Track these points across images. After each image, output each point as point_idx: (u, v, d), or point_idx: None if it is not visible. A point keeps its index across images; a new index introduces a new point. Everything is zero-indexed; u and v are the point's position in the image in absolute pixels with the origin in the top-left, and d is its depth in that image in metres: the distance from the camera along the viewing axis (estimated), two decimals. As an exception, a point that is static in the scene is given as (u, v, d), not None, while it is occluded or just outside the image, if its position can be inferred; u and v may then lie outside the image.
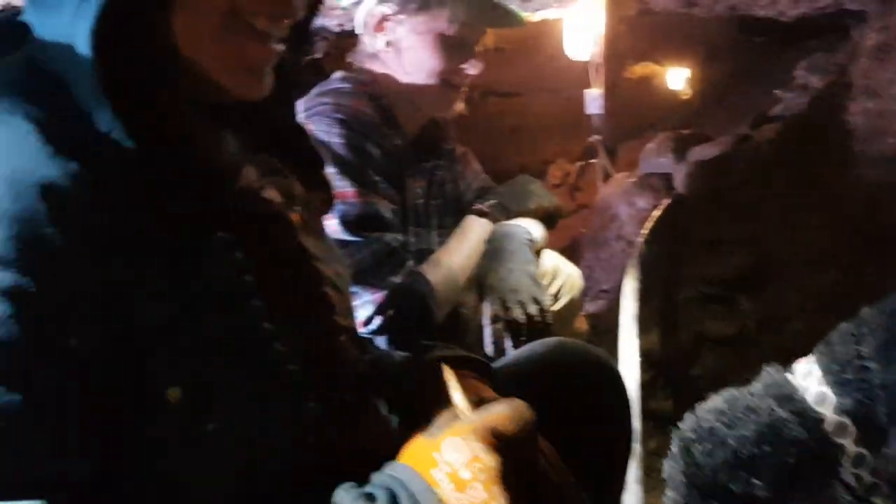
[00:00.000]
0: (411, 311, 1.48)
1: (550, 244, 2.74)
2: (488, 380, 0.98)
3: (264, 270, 0.75)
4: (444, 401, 0.82)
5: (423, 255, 1.64)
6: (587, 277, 2.51)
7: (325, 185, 0.96)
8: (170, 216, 0.70)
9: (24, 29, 0.73)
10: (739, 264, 2.13)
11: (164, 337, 0.68)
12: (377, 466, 0.75)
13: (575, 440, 1.09)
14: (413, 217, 1.69)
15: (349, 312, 0.93)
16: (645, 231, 2.14)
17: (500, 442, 0.69)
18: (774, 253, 2.13)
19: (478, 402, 0.81)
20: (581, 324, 2.24)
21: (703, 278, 2.14)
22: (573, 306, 1.87)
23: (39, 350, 0.62)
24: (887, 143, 1.86)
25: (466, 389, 0.84)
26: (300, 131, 0.96)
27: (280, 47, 0.80)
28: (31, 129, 0.64)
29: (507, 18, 1.64)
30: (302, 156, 0.93)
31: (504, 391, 0.97)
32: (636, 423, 1.56)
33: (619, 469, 1.20)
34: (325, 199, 0.96)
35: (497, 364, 1.25)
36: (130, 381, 0.68)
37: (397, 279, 1.48)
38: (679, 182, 2.38)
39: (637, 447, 1.50)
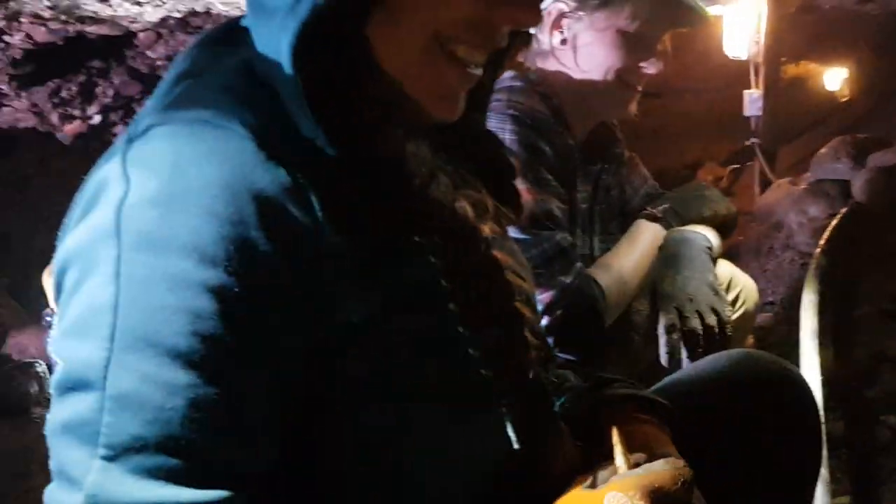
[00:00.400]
0: (580, 313, 1.45)
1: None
2: (667, 422, 0.94)
3: (457, 279, 0.74)
4: (608, 448, 0.82)
5: (585, 260, 1.60)
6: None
7: (515, 196, 0.94)
8: (368, 222, 0.71)
9: (244, 33, 0.76)
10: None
11: (360, 337, 0.70)
12: (557, 489, 0.74)
13: (765, 458, 1.04)
14: (579, 220, 1.65)
15: (539, 329, 0.90)
16: (822, 241, 2.01)
17: (660, 500, 0.69)
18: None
19: (647, 454, 0.80)
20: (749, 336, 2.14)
21: (884, 294, 1.99)
22: (747, 318, 1.78)
23: (239, 347, 0.64)
24: None
25: (638, 438, 0.84)
26: (492, 140, 0.96)
27: (478, 73, 0.79)
28: (247, 135, 0.66)
29: (691, 16, 1.57)
30: (493, 165, 0.92)
31: (684, 419, 0.95)
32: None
33: (808, 492, 1.13)
34: (515, 210, 0.93)
35: (679, 375, 1.20)
36: (324, 381, 0.70)
37: (567, 279, 1.45)
38: (858, 190, 2.23)
39: (824, 472, 1.41)
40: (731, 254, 2.94)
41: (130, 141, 0.68)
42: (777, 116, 4.06)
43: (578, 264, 1.51)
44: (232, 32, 0.78)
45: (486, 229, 0.82)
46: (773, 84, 4.02)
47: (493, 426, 0.76)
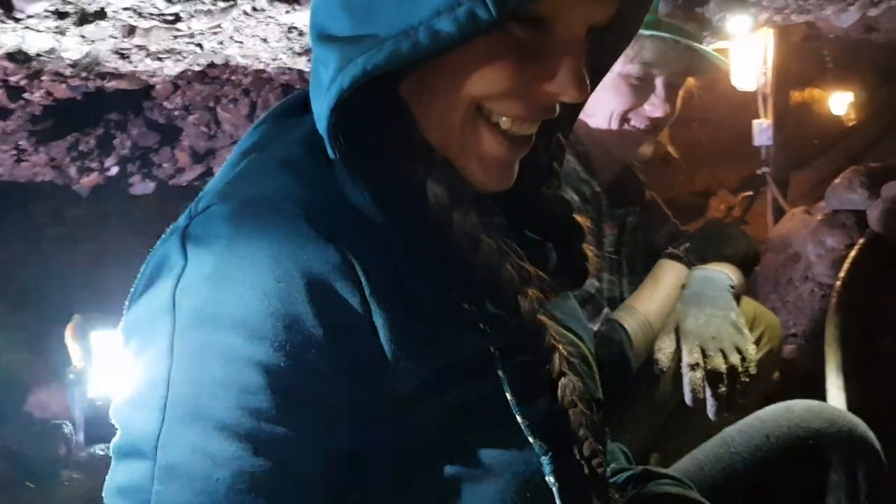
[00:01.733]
0: (609, 359, 1.45)
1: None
2: None
3: (506, 348, 0.75)
4: None
5: (614, 302, 1.60)
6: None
7: (580, 258, 0.91)
8: (419, 292, 0.72)
9: (308, 104, 0.77)
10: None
11: (412, 408, 0.71)
12: None
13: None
14: (606, 264, 1.66)
15: (589, 394, 0.87)
16: (842, 273, 2.01)
17: None
18: None
19: None
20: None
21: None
22: (773, 356, 1.78)
23: (286, 420, 0.65)
24: None
25: None
26: (564, 204, 0.93)
27: (529, 141, 0.78)
28: (300, 213, 0.68)
29: (700, 61, 1.59)
30: (559, 226, 0.90)
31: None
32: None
33: None
34: (580, 273, 0.91)
35: (732, 426, 1.19)
36: (373, 452, 0.71)
37: (595, 326, 1.46)
38: (874, 219, 2.23)
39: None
40: (750, 286, 2.95)
41: (191, 218, 0.71)
42: (786, 144, 4.08)
43: (605, 310, 1.51)
44: (301, 102, 0.80)
45: (535, 294, 0.80)
46: (781, 113, 4.05)
47: (542, 497, 0.76)
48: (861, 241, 2.17)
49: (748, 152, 4.12)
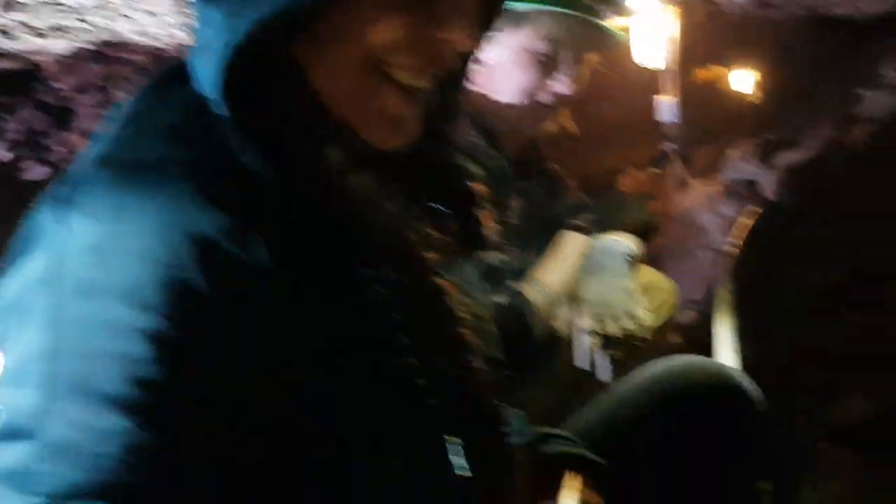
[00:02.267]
0: (511, 330, 1.46)
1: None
2: (599, 479, 0.96)
3: (404, 309, 0.74)
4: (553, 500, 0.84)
5: (521, 275, 1.62)
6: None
7: (477, 225, 0.92)
8: (314, 255, 0.70)
9: (188, 70, 0.75)
10: (838, 273, 2.06)
11: (310, 372, 0.69)
12: None
13: (709, 469, 1.07)
14: (512, 237, 1.67)
15: (490, 356, 0.88)
16: (734, 240, 2.08)
17: None
18: (875, 260, 2.05)
19: None
20: (673, 336, 2.19)
21: (801, 288, 2.07)
22: (669, 321, 1.84)
23: (177, 391, 0.63)
24: None
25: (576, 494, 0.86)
26: (450, 165, 0.94)
27: (425, 96, 0.77)
28: (184, 176, 0.66)
29: (604, 38, 1.62)
30: (456, 194, 0.91)
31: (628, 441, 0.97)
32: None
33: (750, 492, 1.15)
34: (479, 238, 0.93)
35: (619, 384, 1.22)
36: (273, 420, 0.69)
37: (500, 299, 1.47)
38: (768, 189, 2.31)
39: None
40: (654, 256, 3.02)
41: (68, 187, 0.68)
42: (691, 121, 4.19)
43: (510, 281, 1.53)
44: (181, 69, 0.77)
45: (432, 256, 0.81)
46: (685, 90, 4.14)
47: (444, 457, 0.76)
48: (755, 209, 2.24)
49: (660, 131, 4.21)
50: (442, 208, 0.87)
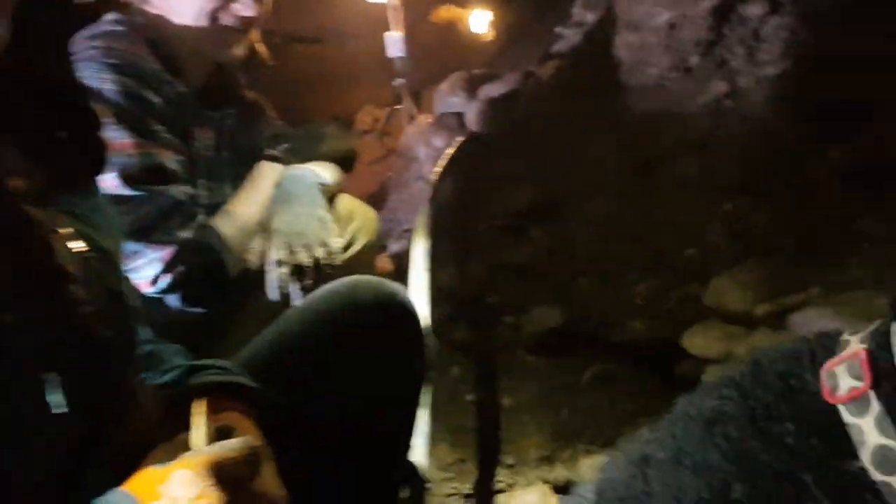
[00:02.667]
0: (203, 266, 1.43)
1: (360, 189, 2.73)
2: (256, 406, 0.96)
3: None
4: (185, 429, 0.82)
5: (217, 208, 1.58)
6: (392, 219, 2.54)
7: (99, 148, 0.87)
8: None
9: None
10: (530, 196, 2.23)
11: None
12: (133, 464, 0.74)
13: (373, 377, 1.11)
14: (203, 169, 1.61)
15: (106, 288, 0.85)
16: (438, 169, 2.19)
17: (229, 479, 0.70)
18: (561, 184, 2.25)
19: (222, 435, 0.81)
20: (385, 264, 2.28)
21: (497, 212, 2.22)
22: (371, 248, 1.89)
23: None
24: (648, 74, 2.00)
25: (221, 422, 0.84)
26: (66, 84, 0.88)
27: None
28: None
29: None
30: (76, 116, 0.85)
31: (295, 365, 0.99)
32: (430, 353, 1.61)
33: (414, 401, 1.21)
34: (98, 164, 0.88)
35: (294, 307, 1.22)
36: None
37: (187, 234, 1.42)
38: (471, 120, 2.44)
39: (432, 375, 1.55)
40: (382, 189, 3.11)
41: None
42: (423, 59, 4.31)
43: (200, 217, 1.47)
44: None
45: (17, 184, 0.76)
46: (415, 27, 4.25)
47: (40, 393, 0.72)
48: (459, 139, 2.36)
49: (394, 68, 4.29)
50: (62, 133, 0.83)
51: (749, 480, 0.66)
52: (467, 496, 1.86)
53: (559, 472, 1.90)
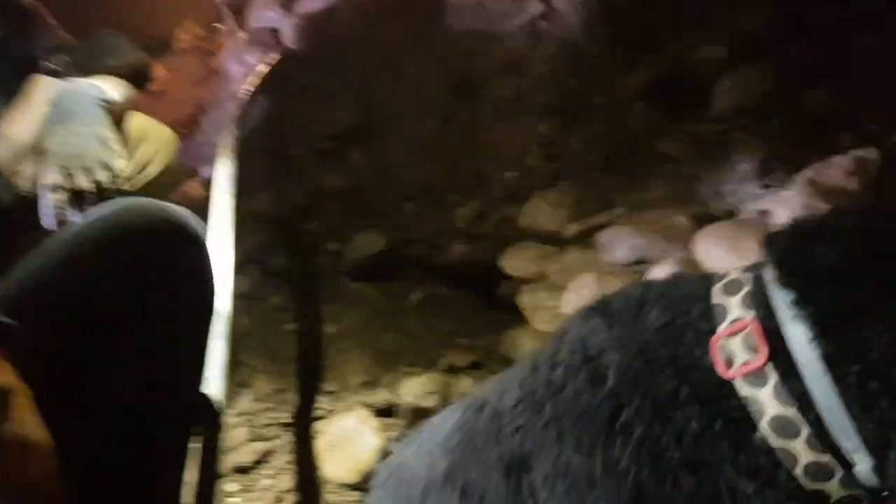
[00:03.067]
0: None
1: (178, 112, 2.55)
2: (9, 343, 0.86)
3: None
4: None
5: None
6: (205, 142, 2.40)
7: None
8: None
9: None
10: (349, 118, 2.16)
11: None
12: None
13: (148, 308, 1.02)
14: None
15: None
16: (248, 87, 2.06)
17: None
18: (381, 105, 2.19)
19: None
20: (195, 189, 2.15)
21: (316, 133, 2.14)
22: (169, 170, 1.76)
23: None
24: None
25: None
26: None
27: None
28: None
29: None
30: None
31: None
32: (228, 278, 1.53)
33: (201, 332, 1.14)
34: None
35: (57, 234, 1.11)
36: None
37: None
38: (287, 36, 2.31)
39: (228, 306, 1.48)
40: (200, 112, 2.91)
41: None
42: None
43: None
44: None
45: None
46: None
47: None
48: (275, 56, 2.23)
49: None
50: None
51: (661, 479, 0.63)
52: (286, 425, 1.82)
53: (380, 396, 1.90)
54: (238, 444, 1.77)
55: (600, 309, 0.74)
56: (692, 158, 1.74)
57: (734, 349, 0.62)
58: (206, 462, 1.13)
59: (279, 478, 1.71)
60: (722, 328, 0.64)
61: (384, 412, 1.87)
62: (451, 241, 2.19)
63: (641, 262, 1.62)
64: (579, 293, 1.67)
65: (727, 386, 0.62)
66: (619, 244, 1.67)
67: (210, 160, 2.16)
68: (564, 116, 1.99)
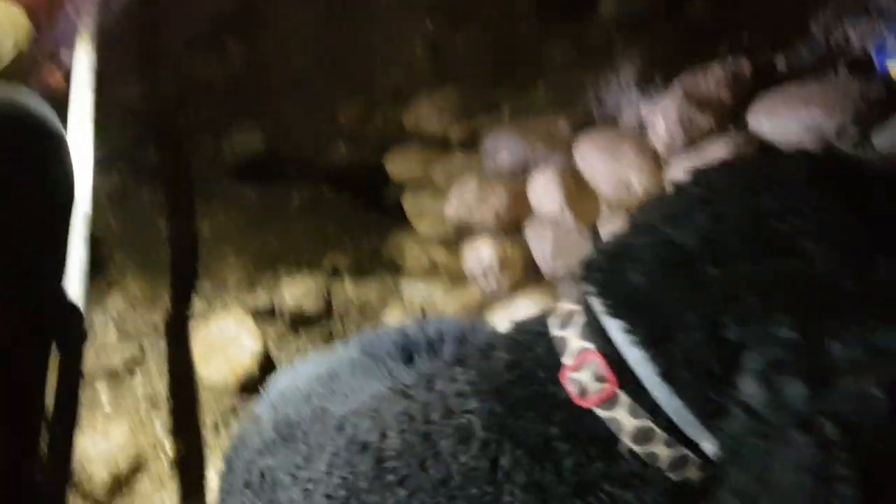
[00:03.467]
0: None
1: None
2: None
3: None
4: None
5: None
6: (67, 28, 2.20)
7: None
8: None
9: None
10: (227, 2, 2.03)
11: None
12: None
13: (3, 200, 0.95)
14: None
15: None
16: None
17: None
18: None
19: None
20: (55, 79, 1.98)
21: (189, 18, 2.00)
22: (23, 57, 1.62)
23: None
24: None
25: None
26: None
27: None
28: None
29: None
30: None
31: None
32: (88, 174, 1.44)
33: (57, 229, 1.07)
34: None
35: None
36: None
37: None
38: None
39: (88, 204, 1.39)
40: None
41: None
42: None
43: None
44: None
45: None
46: None
47: None
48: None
49: None
50: None
51: None
52: (159, 328, 1.77)
53: (260, 299, 1.87)
54: (107, 346, 1.71)
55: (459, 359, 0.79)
56: (577, 64, 1.73)
57: (584, 381, 0.68)
58: (67, 364, 1.09)
59: (152, 381, 1.67)
60: (568, 362, 0.70)
61: (264, 315, 1.85)
62: (334, 141, 2.13)
63: (524, 168, 1.63)
64: (462, 198, 1.67)
65: (588, 413, 0.68)
66: (503, 149, 1.67)
67: (71, 47, 1.99)
68: (452, 16, 1.93)
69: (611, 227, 1.43)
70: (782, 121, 1.18)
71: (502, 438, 0.70)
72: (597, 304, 0.69)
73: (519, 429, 0.70)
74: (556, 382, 0.70)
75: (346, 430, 0.81)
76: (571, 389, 0.69)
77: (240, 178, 2.13)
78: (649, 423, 0.66)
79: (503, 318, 1.57)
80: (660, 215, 0.68)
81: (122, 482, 1.47)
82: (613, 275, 0.69)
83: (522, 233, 1.61)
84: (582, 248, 1.47)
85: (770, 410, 0.58)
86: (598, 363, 0.68)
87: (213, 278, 1.92)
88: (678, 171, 1.30)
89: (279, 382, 1.04)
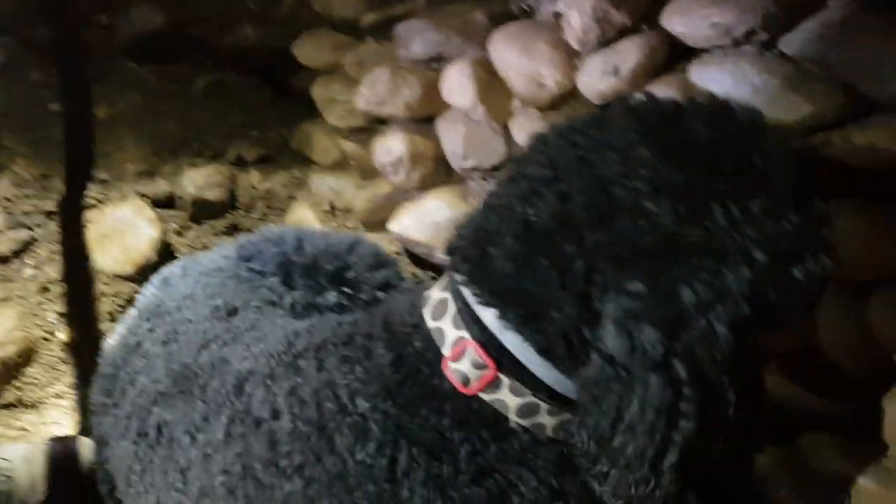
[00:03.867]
0: None
1: None
2: None
3: None
4: None
5: None
6: None
7: None
8: None
9: None
10: None
11: None
12: None
13: None
14: None
15: None
16: None
17: None
18: None
19: None
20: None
21: None
22: None
23: None
24: None
25: None
26: None
27: None
28: None
29: None
30: None
31: None
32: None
33: None
34: None
35: None
36: None
37: None
38: None
39: None
40: None
41: None
42: None
43: None
44: None
45: None
46: None
47: None
48: None
49: None
50: None
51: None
52: (51, 213, 1.68)
53: (160, 187, 1.80)
54: (-6, 230, 1.62)
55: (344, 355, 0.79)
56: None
57: (465, 371, 0.71)
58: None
59: (44, 268, 1.60)
60: (447, 353, 0.72)
61: (163, 203, 1.78)
62: (240, 22, 2.02)
63: (437, 59, 1.59)
64: (373, 88, 1.62)
65: (474, 398, 0.71)
66: (416, 38, 1.61)
67: None
68: None
69: (522, 123, 1.42)
70: (693, 20, 1.17)
71: (398, 438, 0.73)
72: (468, 294, 0.71)
73: (414, 427, 0.73)
74: (440, 375, 0.73)
75: (242, 397, 0.82)
76: (455, 380, 0.72)
77: (137, 57, 2.01)
78: (532, 398, 0.70)
79: (411, 217, 1.56)
80: (514, 197, 0.70)
81: (10, 369, 1.42)
82: (480, 262, 0.71)
83: (434, 126, 1.59)
84: (493, 145, 1.46)
85: (627, 357, 0.62)
86: (475, 352, 0.71)
87: (109, 163, 1.83)
88: (591, 71, 1.29)
89: (170, 287, 1.03)
